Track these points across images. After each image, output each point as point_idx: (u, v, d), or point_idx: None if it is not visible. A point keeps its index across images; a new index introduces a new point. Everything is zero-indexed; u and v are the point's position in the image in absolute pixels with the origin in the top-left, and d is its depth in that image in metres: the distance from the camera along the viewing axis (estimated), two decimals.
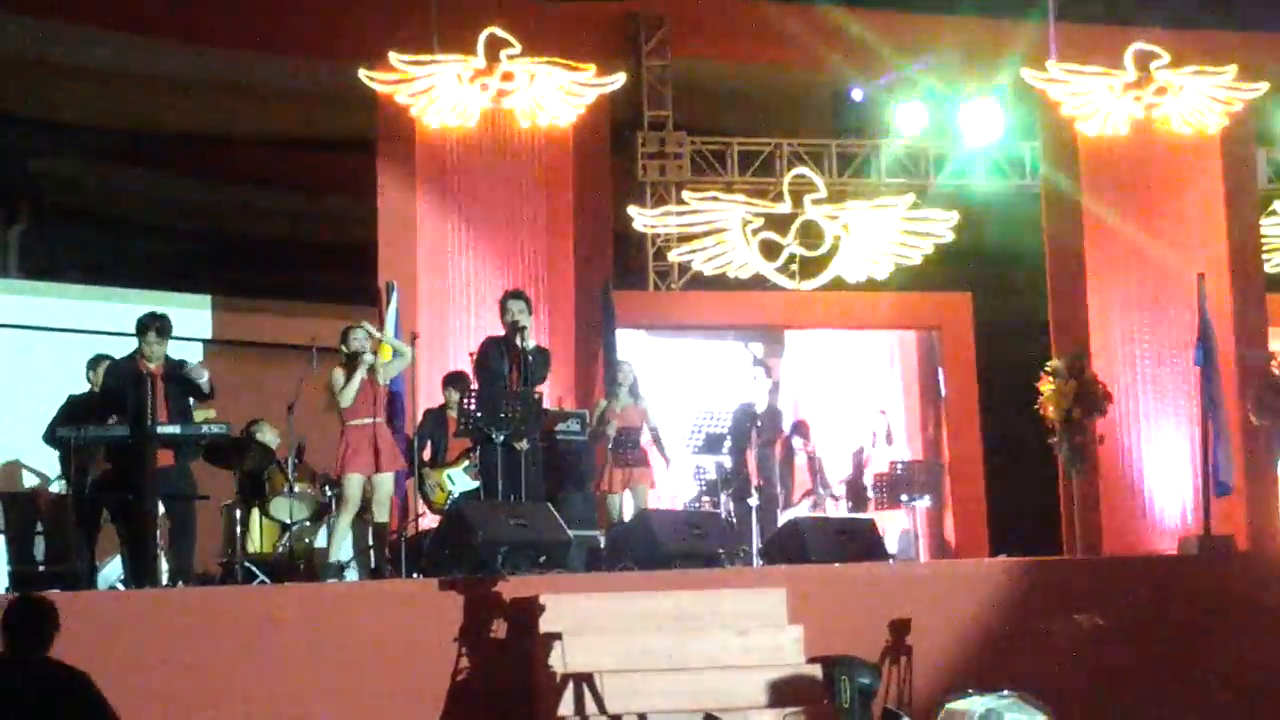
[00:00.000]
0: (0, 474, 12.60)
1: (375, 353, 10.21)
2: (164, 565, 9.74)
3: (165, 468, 9.38)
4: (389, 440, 10.16)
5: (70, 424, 9.59)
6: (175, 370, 9.64)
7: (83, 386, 10.43)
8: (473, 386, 10.53)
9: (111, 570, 10.25)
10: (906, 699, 8.71)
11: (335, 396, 10.01)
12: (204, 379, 9.58)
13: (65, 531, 9.98)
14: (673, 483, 12.95)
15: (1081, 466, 12.77)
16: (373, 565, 10.48)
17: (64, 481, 10.67)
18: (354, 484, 9.99)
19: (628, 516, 11.08)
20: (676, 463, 12.24)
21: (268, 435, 11.41)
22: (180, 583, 9.36)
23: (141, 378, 9.31)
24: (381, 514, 10.18)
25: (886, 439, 14.15)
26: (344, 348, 10.09)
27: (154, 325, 9.57)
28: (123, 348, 10.14)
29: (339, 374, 10.04)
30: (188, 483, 9.75)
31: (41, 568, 10.42)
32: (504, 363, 10.00)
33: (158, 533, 9.50)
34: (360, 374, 9.95)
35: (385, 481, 10.11)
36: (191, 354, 11.48)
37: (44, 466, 11.85)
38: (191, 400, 9.80)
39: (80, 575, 9.36)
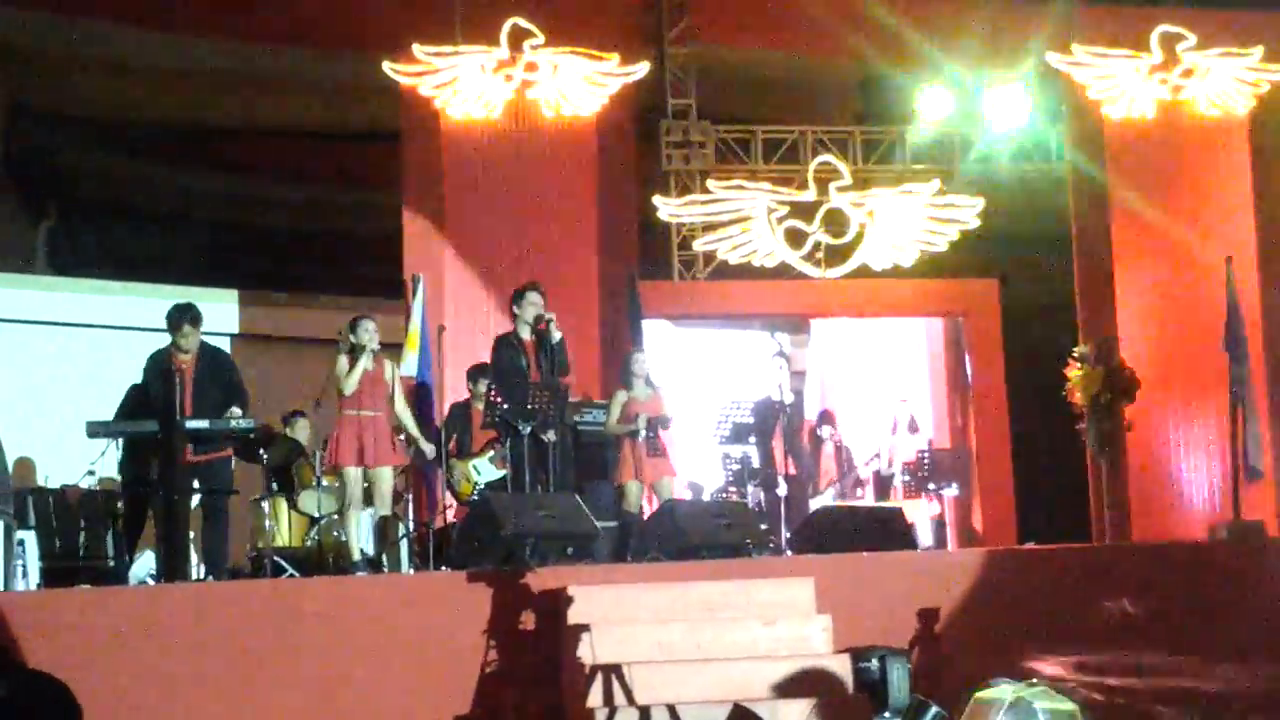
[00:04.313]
0: (29, 469, 12.67)
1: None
2: (194, 559, 9.79)
3: (207, 462, 9.37)
4: (385, 434, 9.84)
5: (128, 418, 9.55)
6: (211, 366, 9.61)
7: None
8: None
9: (141, 565, 10.30)
10: (935, 687, 8.68)
11: (340, 383, 9.75)
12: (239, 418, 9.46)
13: (95, 526, 10.01)
14: (700, 473, 12.94)
15: (1110, 453, 12.73)
16: (384, 560, 10.41)
17: (92, 476, 10.73)
18: (349, 477, 9.77)
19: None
20: (703, 452, 12.20)
21: (299, 430, 11.45)
22: (210, 577, 9.40)
23: (170, 372, 9.26)
24: (384, 507, 10.01)
25: (909, 428, 14.07)
26: (351, 338, 9.84)
27: (187, 316, 9.52)
28: (152, 342, 10.15)
29: (344, 361, 9.79)
30: (227, 477, 9.74)
31: (73, 563, 10.47)
32: (520, 357, 9.98)
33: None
34: (363, 364, 9.71)
35: (383, 475, 9.89)
36: (219, 345, 11.48)
37: (75, 461, 11.90)
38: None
39: (110, 570, 9.39)
